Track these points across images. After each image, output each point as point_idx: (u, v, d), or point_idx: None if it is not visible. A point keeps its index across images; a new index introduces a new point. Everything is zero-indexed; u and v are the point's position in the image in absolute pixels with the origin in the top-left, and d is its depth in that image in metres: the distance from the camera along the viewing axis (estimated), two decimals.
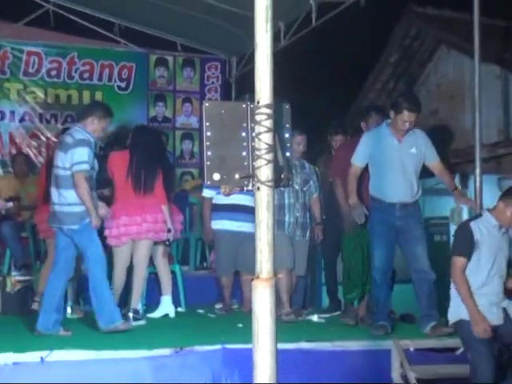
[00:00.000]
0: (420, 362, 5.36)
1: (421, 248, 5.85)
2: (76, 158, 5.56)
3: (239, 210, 6.76)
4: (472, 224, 4.91)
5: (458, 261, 4.84)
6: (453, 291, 4.95)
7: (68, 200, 5.63)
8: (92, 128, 5.76)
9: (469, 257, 4.83)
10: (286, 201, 6.55)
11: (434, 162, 5.98)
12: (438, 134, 7.76)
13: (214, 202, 6.98)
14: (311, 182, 6.74)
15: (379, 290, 5.89)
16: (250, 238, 5.51)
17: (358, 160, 5.96)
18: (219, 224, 6.97)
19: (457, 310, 4.92)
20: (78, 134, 5.71)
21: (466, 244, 4.85)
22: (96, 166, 5.81)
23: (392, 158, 5.82)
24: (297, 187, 6.57)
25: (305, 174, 6.70)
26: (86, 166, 5.58)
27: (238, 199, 6.60)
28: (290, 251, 6.51)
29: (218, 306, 7.23)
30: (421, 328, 5.81)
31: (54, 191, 5.75)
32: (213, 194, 6.94)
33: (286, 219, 6.55)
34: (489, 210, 4.99)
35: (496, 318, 4.84)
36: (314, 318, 6.69)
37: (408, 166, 5.84)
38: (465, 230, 4.92)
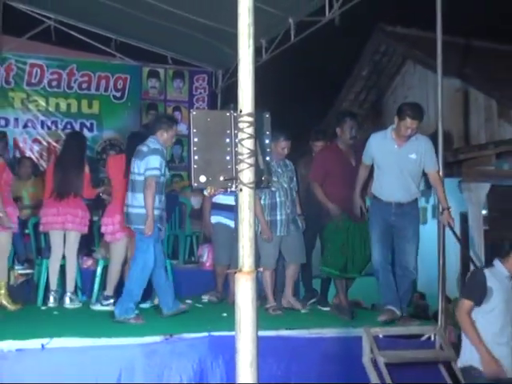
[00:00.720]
0: (388, 348, 5.38)
1: (410, 246, 5.75)
2: (149, 165, 5.76)
3: (236, 210, 6.66)
4: (486, 271, 4.68)
5: (466, 303, 4.63)
6: (464, 337, 4.74)
7: (140, 202, 5.77)
8: (163, 139, 5.97)
9: (478, 303, 4.60)
10: (278, 199, 6.38)
11: (431, 171, 5.79)
12: None
13: (213, 200, 6.92)
14: (294, 179, 6.60)
15: (382, 276, 5.78)
16: None
17: (365, 159, 5.92)
18: (217, 219, 6.92)
19: (467, 356, 4.69)
20: (153, 144, 5.89)
21: (478, 289, 4.61)
22: (167, 173, 6.05)
23: (390, 162, 5.71)
24: (285, 185, 6.43)
25: (289, 171, 6.54)
26: (157, 172, 5.76)
27: (233, 200, 6.53)
28: (272, 252, 6.34)
29: (205, 296, 7.21)
30: (380, 316, 5.72)
31: (129, 194, 5.93)
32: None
33: (278, 218, 6.37)
34: (500, 260, 4.75)
35: (510, 369, 4.58)
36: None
37: (405, 170, 5.70)
38: (479, 276, 4.68)
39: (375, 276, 5.87)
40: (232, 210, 6.47)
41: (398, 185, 5.71)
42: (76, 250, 6.71)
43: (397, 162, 5.68)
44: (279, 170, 6.42)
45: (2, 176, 6.27)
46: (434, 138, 6.03)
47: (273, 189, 6.28)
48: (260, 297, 6.71)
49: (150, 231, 5.70)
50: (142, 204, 5.74)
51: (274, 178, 6.28)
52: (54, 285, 6.61)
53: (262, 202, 6.31)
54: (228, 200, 6.62)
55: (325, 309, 6.55)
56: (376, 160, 5.79)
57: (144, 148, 5.90)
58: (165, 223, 6.15)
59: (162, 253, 6.01)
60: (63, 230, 6.66)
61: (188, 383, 4.80)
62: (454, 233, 5.92)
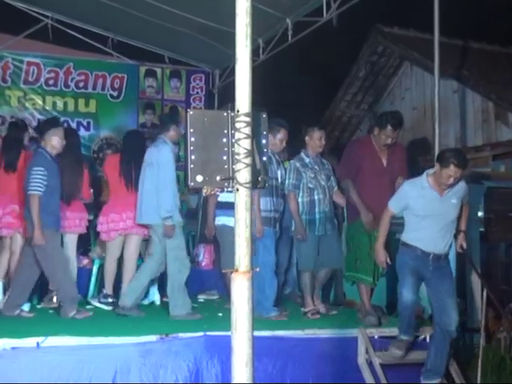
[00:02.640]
0: (383, 349, 5.39)
1: (451, 302, 5.21)
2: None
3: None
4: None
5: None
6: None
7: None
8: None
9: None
10: (316, 197, 6.16)
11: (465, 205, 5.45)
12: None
13: (219, 199, 6.56)
14: (332, 178, 6.38)
15: (405, 310, 5.26)
16: None
17: (395, 207, 5.29)
18: (223, 220, 6.45)
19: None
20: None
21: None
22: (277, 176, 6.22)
23: (433, 212, 5.14)
24: (323, 183, 6.23)
25: (326, 169, 6.34)
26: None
27: None
28: (311, 253, 6.12)
29: (201, 296, 7.21)
30: (422, 379, 5.22)
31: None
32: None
33: (317, 216, 6.14)
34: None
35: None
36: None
37: (448, 217, 5.20)
38: None
39: (402, 313, 5.31)
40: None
41: (440, 235, 5.20)
42: (75, 250, 6.67)
43: (440, 211, 5.16)
44: (316, 167, 6.26)
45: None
46: (413, 145, 6.10)
47: (310, 186, 6.15)
48: (294, 296, 6.72)
49: (258, 234, 5.86)
50: (262, 207, 5.95)
51: (311, 175, 6.19)
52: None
53: (300, 199, 6.18)
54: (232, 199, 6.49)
55: (334, 312, 6.40)
56: (414, 210, 5.20)
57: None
58: (276, 225, 6.13)
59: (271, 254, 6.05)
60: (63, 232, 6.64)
61: (184, 383, 4.80)
62: (467, 256, 5.84)
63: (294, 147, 7.12)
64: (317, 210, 6.16)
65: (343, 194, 6.29)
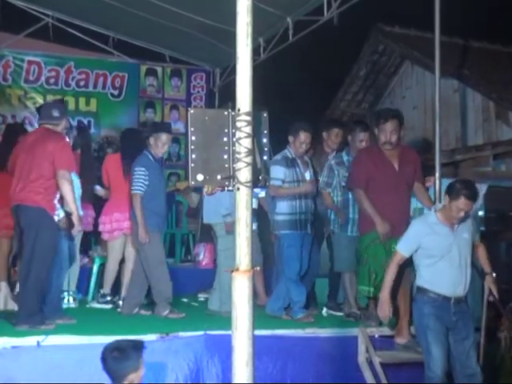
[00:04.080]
0: (384, 348, 5.39)
1: (474, 349, 4.85)
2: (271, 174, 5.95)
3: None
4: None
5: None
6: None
7: (281, 209, 6.03)
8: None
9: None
10: (350, 196, 5.90)
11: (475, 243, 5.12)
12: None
13: None
14: None
15: None
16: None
17: (405, 249, 4.85)
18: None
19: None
20: (279, 155, 6.13)
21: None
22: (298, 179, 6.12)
23: (447, 248, 4.76)
24: None
25: None
26: (277, 182, 6.00)
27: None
28: (347, 253, 5.92)
29: (201, 295, 7.22)
30: None
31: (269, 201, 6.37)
32: None
33: (350, 216, 5.94)
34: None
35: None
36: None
37: (463, 254, 4.81)
38: None
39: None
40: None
41: (459, 275, 4.80)
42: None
43: (455, 247, 4.79)
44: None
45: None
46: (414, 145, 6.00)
47: (344, 184, 5.96)
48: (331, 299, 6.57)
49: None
50: (283, 211, 5.94)
51: (345, 174, 5.95)
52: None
53: (335, 198, 6.10)
54: None
55: (338, 314, 6.33)
56: (428, 249, 4.80)
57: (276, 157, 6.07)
58: (304, 227, 6.02)
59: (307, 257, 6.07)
60: None
61: (184, 383, 4.80)
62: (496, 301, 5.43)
63: None
64: (351, 209, 5.96)
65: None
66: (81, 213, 5.76)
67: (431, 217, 4.85)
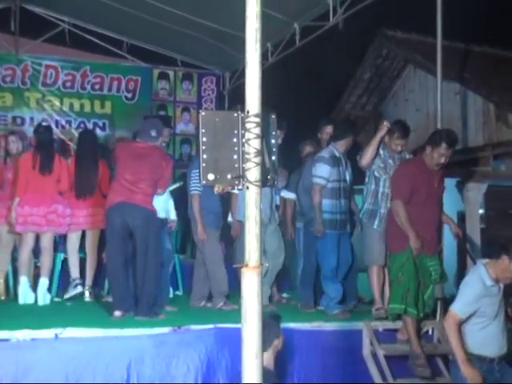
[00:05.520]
0: (388, 341, 5.39)
1: None
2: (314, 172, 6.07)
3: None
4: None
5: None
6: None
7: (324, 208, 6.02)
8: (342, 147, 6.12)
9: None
10: (380, 189, 5.70)
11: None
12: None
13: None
14: None
15: None
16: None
17: (462, 312, 4.44)
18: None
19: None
20: (323, 152, 6.11)
21: None
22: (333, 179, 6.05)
23: (496, 308, 4.49)
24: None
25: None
26: (319, 180, 5.99)
27: None
28: (376, 246, 5.73)
29: None
30: None
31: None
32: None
33: (382, 210, 5.66)
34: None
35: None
36: None
37: (502, 310, 4.56)
38: None
39: None
40: None
41: (502, 331, 4.55)
42: (96, 246, 6.68)
43: (499, 305, 4.53)
44: (390, 161, 5.74)
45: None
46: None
47: (377, 175, 5.72)
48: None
49: (318, 233, 5.89)
50: (325, 209, 5.90)
51: (381, 164, 5.73)
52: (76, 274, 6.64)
53: (368, 185, 5.79)
54: None
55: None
56: (485, 312, 4.46)
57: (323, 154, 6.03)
58: (341, 227, 5.97)
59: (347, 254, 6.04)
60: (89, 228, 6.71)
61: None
62: (468, 251, 5.74)
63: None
64: (380, 203, 5.70)
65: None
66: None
67: (482, 275, 4.46)
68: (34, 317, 5.40)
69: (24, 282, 6.22)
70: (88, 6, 9.25)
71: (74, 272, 6.61)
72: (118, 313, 5.48)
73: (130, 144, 6.02)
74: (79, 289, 6.55)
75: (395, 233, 5.29)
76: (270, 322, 4.09)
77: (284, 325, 5.22)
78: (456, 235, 5.68)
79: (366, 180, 5.80)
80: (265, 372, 3.48)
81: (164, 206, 6.16)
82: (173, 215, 6.41)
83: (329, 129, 6.47)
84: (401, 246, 5.21)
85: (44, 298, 6.16)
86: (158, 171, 5.61)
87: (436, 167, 5.28)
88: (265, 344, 3.72)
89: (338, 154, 6.01)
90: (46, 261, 6.33)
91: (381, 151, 5.82)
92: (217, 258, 6.19)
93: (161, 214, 5.96)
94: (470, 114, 9.70)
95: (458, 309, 4.45)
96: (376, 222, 5.72)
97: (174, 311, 5.92)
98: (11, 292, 6.66)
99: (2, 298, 6.54)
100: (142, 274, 5.45)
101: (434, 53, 6.42)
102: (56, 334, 4.64)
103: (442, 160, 5.09)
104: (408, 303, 5.14)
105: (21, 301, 6.17)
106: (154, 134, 5.72)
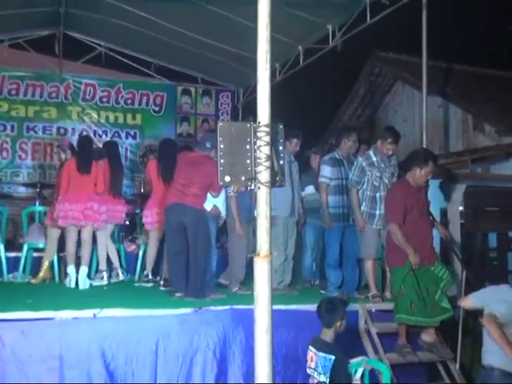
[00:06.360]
0: (380, 320, 5.36)
1: None
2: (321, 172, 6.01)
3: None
4: None
5: None
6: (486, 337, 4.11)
7: (331, 203, 5.92)
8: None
9: None
10: (378, 194, 5.58)
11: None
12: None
13: None
14: (396, 174, 5.71)
15: None
16: None
17: (498, 311, 4.05)
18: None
19: (487, 356, 4.10)
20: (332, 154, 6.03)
21: None
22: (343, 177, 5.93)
23: None
24: (386, 181, 5.60)
25: (391, 167, 5.66)
26: (324, 179, 5.92)
27: None
28: (373, 243, 5.62)
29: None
30: None
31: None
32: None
33: (377, 212, 5.55)
34: None
35: None
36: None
37: None
38: None
39: None
40: None
41: None
42: (157, 240, 6.62)
43: None
44: (382, 165, 5.62)
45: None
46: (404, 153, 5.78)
47: (376, 184, 5.59)
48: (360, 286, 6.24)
49: (327, 226, 5.85)
50: (330, 204, 5.86)
51: (377, 174, 5.59)
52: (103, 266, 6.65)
53: (366, 191, 5.62)
54: None
55: (325, 292, 6.12)
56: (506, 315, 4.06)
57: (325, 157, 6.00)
58: (344, 219, 5.86)
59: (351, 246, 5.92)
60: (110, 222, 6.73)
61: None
62: (450, 243, 5.56)
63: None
64: (378, 206, 5.58)
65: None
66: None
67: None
68: (76, 299, 5.42)
69: (71, 269, 6.26)
70: (121, 32, 9.29)
71: (102, 264, 6.58)
72: (178, 294, 5.54)
73: (187, 154, 6.01)
74: (105, 280, 6.51)
75: (394, 250, 5.09)
76: (338, 306, 4.13)
77: (290, 306, 5.24)
78: (444, 237, 5.62)
79: (364, 187, 5.67)
80: (327, 345, 4.06)
81: (222, 206, 6.14)
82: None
83: (330, 140, 6.42)
84: (400, 261, 5.01)
85: (84, 283, 6.19)
86: (209, 178, 5.56)
87: (423, 184, 5.12)
88: (330, 323, 4.09)
89: (338, 157, 5.97)
90: (85, 252, 6.34)
91: (373, 158, 5.65)
92: (240, 249, 6.10)
93: (222, 213, 6.08)
94: (451, 124, 9.69)
95: (494, 309, 4.05)
96: (375, 222, 5.61)
97: (219, 298, 5.59)
98: (55, 277, 6.69)
99: (47, 281, 6.57)
100: (193, 262, 5.52)
101: (419, 71, 6.41)
102: (94, 314, 4.64)
103: (430, 176, 4.93)
104: (416, 314, 4.94)
105: (68, 285, 6.21)
106: (208, 145, 5.72)
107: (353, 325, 5.22)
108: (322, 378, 3.98)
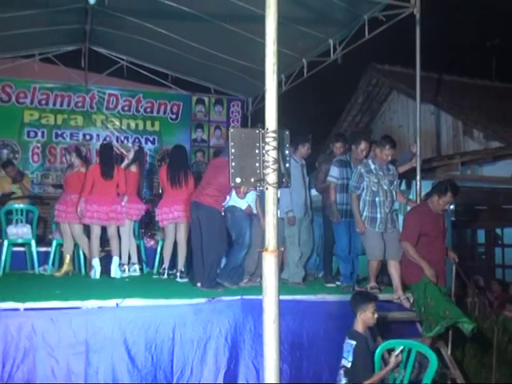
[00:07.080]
0: (378, 309, 5.31)
1: None
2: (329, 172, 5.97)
3: None
4: None
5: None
6: None
7: (339, 200, 5.88)
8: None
9: None
10: (377, 199, 5.46)
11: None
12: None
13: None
14: (395, 183, 5.65)
15: None
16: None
17: None
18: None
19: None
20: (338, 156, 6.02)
21: None
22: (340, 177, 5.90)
23: None
24: (385, 187, 5.50)
25: (390, 175, 5.60)
26: (331, 179, 5.91)
27: None
28: (377, 245, 5.47)
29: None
30: None
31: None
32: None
33: (378, 216, 5.44)
34: None
35: None
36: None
37: None
38: None
39: None
40: None
41: None
42: (185, 236, 6.53)
43: None
44: (381, 173, 5.54)
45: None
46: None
47: (374, 189, 5.48)
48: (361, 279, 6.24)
49: (335, 219, 5.80)
50: (337, 201, 5.81)
51: (375, 180, 5.50)
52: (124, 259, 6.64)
53: (365, 197, 5.52)
54: None
55: (329, 285, 6.10)
56: None
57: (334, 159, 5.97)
58: (350, 216, 5.75)
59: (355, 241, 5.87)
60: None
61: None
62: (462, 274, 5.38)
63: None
64: (378, 210, 5.46)
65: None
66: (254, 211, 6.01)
67: None
68: (100, 290, 5.43)
69: (96, 262, 6.27)
70: (142, 47, 9.31)
71: (124, 258, 6.56)
72: (199, 284, 5.55)
73: (215, 159, 6.09)
74: (126, 273, 6.50)
75: (409, 267, 5.07)
76: (357, 298, 4.33)
77: (296, 297, 5.22)
78: (453, 260, 5.45)
79: (363, 194, 5.56)
80: (352, 332, 4.21)
81: (253, 204, 6.03)
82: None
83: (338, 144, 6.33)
84: (417, 277, 4.99)
85: (116, 271, 6.24)
86: (226, 180, 5.54)
87: (441, 212, 5.10)
88: (354, 312, 4.27)
89: (344, 159, 5.95)
90: (114, 244, 6.43)
91: (372, 166, 5.55)
92: (255, 246, 5.93)
93: (254, 210, 5.97)
94: (442, 130, 9.64)
95: None
96: (377, 225, 5.47)
97: (230, 288, 5.58)
98: (81, 269, 6.72)
99: (70, 274, 6.59)
100: (206, 256, 5.53)
101: (413, 81, 6.36)
102: (117, 304, 4.65)
103: (447, 207, 4.87)
104: (448, 316, 4.82)
105: (92, 276, 6.22)
106: None
107: (351, 314, 5.16)
108: (344, 362, 4.05)
